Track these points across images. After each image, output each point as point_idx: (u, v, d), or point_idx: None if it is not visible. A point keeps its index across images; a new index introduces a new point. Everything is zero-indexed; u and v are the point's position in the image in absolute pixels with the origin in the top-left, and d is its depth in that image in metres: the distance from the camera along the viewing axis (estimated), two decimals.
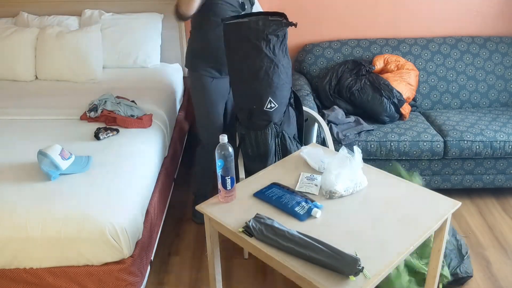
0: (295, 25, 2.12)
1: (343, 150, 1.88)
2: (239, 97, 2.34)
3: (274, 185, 1.89)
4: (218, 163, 1.73)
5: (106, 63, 3.29)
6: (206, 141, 2.62)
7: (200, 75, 2.48)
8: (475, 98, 3.32)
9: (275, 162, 2.29)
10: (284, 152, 2.34)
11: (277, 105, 2.26)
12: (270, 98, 2.23)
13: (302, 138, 2.48)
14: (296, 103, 2.43)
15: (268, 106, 2.24)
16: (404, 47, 3.35)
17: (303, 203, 1.74)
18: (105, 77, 3.21)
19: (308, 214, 1.70)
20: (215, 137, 2.45)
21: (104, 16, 3.37)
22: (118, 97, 2.74)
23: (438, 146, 2.83)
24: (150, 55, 3.34)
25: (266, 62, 2.17)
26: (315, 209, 1.70)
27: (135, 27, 3.32)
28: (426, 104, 3.34)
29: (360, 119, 3.01)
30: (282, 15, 2.19)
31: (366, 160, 2.82)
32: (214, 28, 2.34)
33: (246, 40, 2.14)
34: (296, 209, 1.71)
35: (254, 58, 2.17)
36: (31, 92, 2.97)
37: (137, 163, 2.22)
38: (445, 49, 3.34)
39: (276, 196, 1.80)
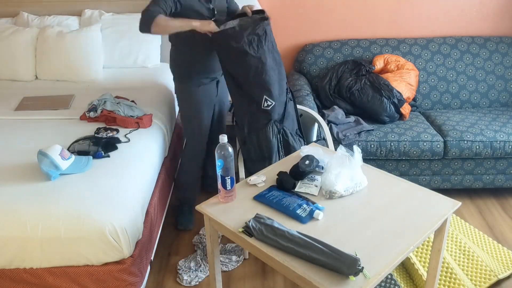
0: (267, 18, 2.21)
1: (341, 149, 1.88)
2: (237, 101, 2.36)
3: (274, 187, 1.89)
4: (218, 163, 1.73)
5: (106, 63, 3.29)
6: (191, 145, 2.61)
7: (187, 85, 2.45)
8: (475, 98, 3.32)
9: (279, 159, 2.30)
10: (286, 148, 2.35)
11: (274, 102, 2.27)
12: (265, 96, 2.25)
13: (302, 131, 2.49)
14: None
15: (265, 105, 2.26)
16: (404, 47, 3.35)
17: (304, 205, 1.73)
18: (105, 77, 3.21)
19: (310, 217, 1.69)
20: (200, 144, 2.60)
21: (104, 16, 3.37)
22: (117, 97, 2.74)
23: (438, 146, 2.83)
24: (150, 55, 3.34)
25: (253, 62, 2.20)
26: (317, 211, 1.69)
27: (135, 27, 3.30)
28: (426, 104, 3.34)
29: (360, 119, 3.01)
30: (261, 11, 2.28)
31: (366, 160, 2.83)
32: (193, 40, 2.32)
33: (229, 46, 2.18)
34: (298, 211, 1.71)
35: (241, 61, 2.21)
36: (31, 92, 2.97)
37: (137, 163, 2.22)
38: (445, 49, 3.34)
39: (277, 198, 1.79)
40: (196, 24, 2.12)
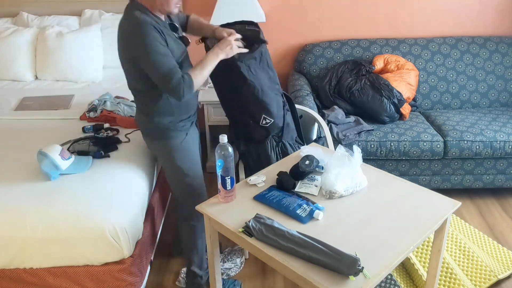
0: (266, 42, 2.12)
1: (340, 148, 1.88)
2: (233, 116, 2.33)
3: (274, 187, 1.89)
4: (218, 163, 1.73)
5: (106, 63, 3.29)
6: (189, 213, 2.06)
7: (168, 139, 2.00)
8: (475, 98, 3.32)
9: None
10: None
11: (272, 120, 2.26)
12: (263, 115, 2.23)
13: (302, 136, 2.48)
14: (288, 102, 2.42)
15: (264, 122, 2.25)
16: (404, 47, 3.35)
17: (304, 205, 1.73)
18: (105, 77, 3.20)
19: (310, 217, 1.69)
20: (201, 192, 2.11)
21: (104, 16, 3.37)
22: (117, 97, 2.74)
23: (438, 146, 2.83)
24: None
25: (252, 86, 2.15)
26: (317, 211, 1.69)
27: None
28: (426, 104, 3.34)
29: (360, 119, 3.01)
30: (252, 23, 2.19)
31: (366, 160, 2.82)
32: None
33: (227, 71, 2.09)
34: (298, 211, 1.71)
35: (240, 85, 2.14)
36: (31, 92, 2.97)
37: (137, 163, 2.22)
38: (445, 49, 3.34)
39: (277, 198, 1.79)
40: (221, 54, 1.89)
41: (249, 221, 1.63)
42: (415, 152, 2.83)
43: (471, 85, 3.31)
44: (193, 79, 1.80)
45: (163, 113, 1.95)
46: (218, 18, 3.01)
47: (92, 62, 3.15)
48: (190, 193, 2.09)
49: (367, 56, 3.35)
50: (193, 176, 2.07)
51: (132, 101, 2.73)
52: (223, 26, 2.15)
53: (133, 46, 1.83)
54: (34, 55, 3.18)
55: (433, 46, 3.35)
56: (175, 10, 1.86)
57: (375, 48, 3.36)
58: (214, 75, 2.10)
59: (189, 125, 2.05)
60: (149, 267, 2.11)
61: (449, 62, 3.32)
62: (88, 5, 3.43)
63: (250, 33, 2.18)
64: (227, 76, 2.15)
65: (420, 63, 3.32)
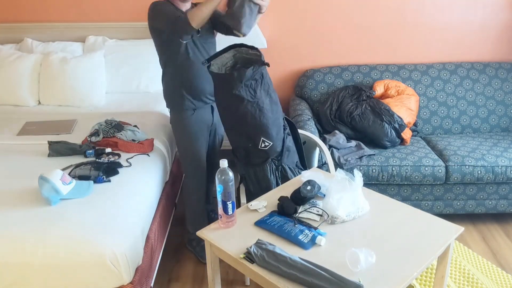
0: (267, 64, 2.14)
1: (340, 172, 1.88)
2: (233, 138, 2.33)
3: (275, 213, 1.88)
4: (218, 188, 1.73)
5: (109, 88, 3.32)
6: (192, 174, 2.57)
7: (181, 111, 2.45)
8: (476, 123, 3.33)
9: None
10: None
11: (271, 143, 2.25)
12: (262, 138, 2.23)
13: (305, 162, 2.47)
14: (291, 127, 2.42)
15: (263, 145, 2.24)
16: (404, 73, 3.38)
17: (306, 231, 1.72)
18: (108, 102, 3.23)
19: (313, 242, 1.68)
20: (199, 171, 2.56)
21: (107, 42, 3.41)
22: (120, 121, 2.75)
23: (440, 171, 2.82)
24: (153, 80, 3.37)
25: (250, 107, 2.16)
26: (319, 237, 1.68)
27: (138, 53, 3.36)
28: (427, 129, 3.35)
29: (361, 144, 3.02)
30: (254, 48, 2.21)
31: (368, 184, 2.82)
32: (185, 62, 2.33)
33: (226, 91, 2.15)
34: (300, 237, 1.69)
35: (237, 106, 2.16)
36: (33, 117, 2.99)
37: (138, 188, 2.22)
38: (444, 74, 3.37)
39: (278, 224, 1.78)
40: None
41: (251, 247, 1.62)
42: (417, 177, 2.83)
43: (471, 110, 3.32)
44: (188, 15, 2.10)
45: (173, 86, 2.42)
46: (220, 43, 3.04)
47: (95, 88, 3.18)
48: (184, 164, 2.56)
49: (368, 82, 3.38)
50: (185, 157, 2.52)
51: (134, 126, 2.74)
52: (227, 48, 2.25)
53: (150, 12, 2.27)
54: (38, 80, 3.21)
55: (433, 72, 3.38)
56: (181, 5, 2.29)
57: (375, 74, 3.39)
58: (216, 97, 2.22)
59: (193, 108, 2.43)
60: None
61: (449, 88, 3.34)
62: (92, 32, 3.49)
63: (252, 56, 2.21)
64: (227, 97, 2.17)
65: (420, 89, 3.35)
